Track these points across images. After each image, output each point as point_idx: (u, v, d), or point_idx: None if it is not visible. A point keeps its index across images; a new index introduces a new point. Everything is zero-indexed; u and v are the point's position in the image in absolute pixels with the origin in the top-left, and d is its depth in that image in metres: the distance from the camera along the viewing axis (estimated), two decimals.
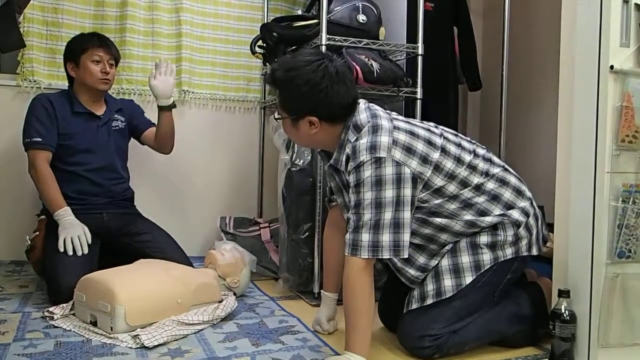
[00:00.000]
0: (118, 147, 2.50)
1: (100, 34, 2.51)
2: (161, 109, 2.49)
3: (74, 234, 2.14)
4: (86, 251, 2.13)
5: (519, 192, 1.71)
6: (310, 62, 1.59)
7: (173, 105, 2.52)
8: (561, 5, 1.70)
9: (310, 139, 1.66)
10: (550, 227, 1.80)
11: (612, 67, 1.52)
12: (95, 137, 2.40)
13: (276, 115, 1.72)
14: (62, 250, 2.11)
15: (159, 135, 2.55)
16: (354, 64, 2.26)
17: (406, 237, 1.52)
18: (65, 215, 2.19)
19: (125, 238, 2.35)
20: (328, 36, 2.23)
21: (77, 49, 2.36)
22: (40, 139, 2.27)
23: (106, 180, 2.41)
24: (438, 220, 1.64)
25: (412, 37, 2.47)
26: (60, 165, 2.33)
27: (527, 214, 1.69)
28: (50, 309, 1.91)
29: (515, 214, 1.67)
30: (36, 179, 2.26)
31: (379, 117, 1.61)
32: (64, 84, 2.64)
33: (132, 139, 2.63)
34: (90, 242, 2.16)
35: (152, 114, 2.78)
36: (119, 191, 2.46)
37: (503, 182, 1.69)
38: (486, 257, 1.65)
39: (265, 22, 2.95)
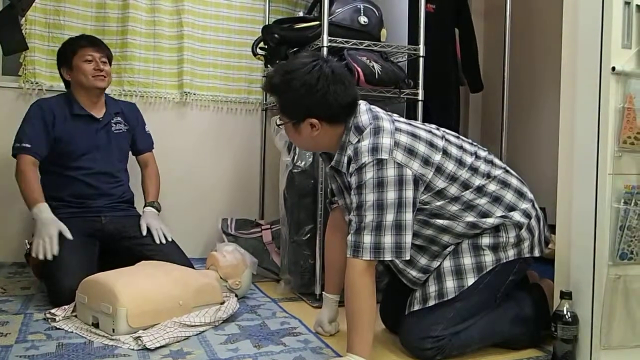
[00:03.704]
0: (118, 149, 2.49)
1: (88, 35, 2.51)
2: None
3: (45, 237, 2.07)
4: (56, 252, 2.06)
5: (520, 194, 1.71)
6: (305, 64, 1.59)
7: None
8: (563, 7, 1.70)
9: (312, 141, 1.66)
10: (552, 228, 1.79)
11: (613, 68, 1.52)
12: (94, 140, 2.39)
13: (278, 121, 1.72)
14: (33, 255, 2.06)
15: (142, 183, 2.59)
16: (355, 65, 2.26)
17: (408, 238, 1.52)
18: (41, 213, 2.15)
19: (126, 241, 2.33)
20: (329, 38, 2.22)
21: (67, 52, 2.36)
22: (29, 145, 2.25)
23: (104, 184, 2.40)
24: (440, 221, 1.64)
25: (413, 39, 2.46)
26: (59, 170, 2.33)
27: (528, 216, 1.69)
28: (52, 311, 1.92)
29: (517, 216, 1.66)
30: (19, 180, 2.23)
31: (380, 118, 1.61)
32: None
33: None
34: (70, 237, 2.12)
35: (151, 115, 2.81)
36: (117, 194, 2.45)
37: (504, 184, 1.69)
38: (488, 258, 1.65)
39: (267, 23, 2.96)
